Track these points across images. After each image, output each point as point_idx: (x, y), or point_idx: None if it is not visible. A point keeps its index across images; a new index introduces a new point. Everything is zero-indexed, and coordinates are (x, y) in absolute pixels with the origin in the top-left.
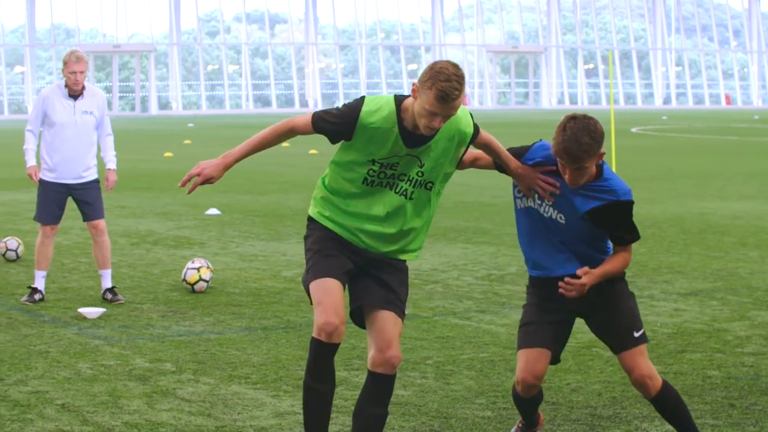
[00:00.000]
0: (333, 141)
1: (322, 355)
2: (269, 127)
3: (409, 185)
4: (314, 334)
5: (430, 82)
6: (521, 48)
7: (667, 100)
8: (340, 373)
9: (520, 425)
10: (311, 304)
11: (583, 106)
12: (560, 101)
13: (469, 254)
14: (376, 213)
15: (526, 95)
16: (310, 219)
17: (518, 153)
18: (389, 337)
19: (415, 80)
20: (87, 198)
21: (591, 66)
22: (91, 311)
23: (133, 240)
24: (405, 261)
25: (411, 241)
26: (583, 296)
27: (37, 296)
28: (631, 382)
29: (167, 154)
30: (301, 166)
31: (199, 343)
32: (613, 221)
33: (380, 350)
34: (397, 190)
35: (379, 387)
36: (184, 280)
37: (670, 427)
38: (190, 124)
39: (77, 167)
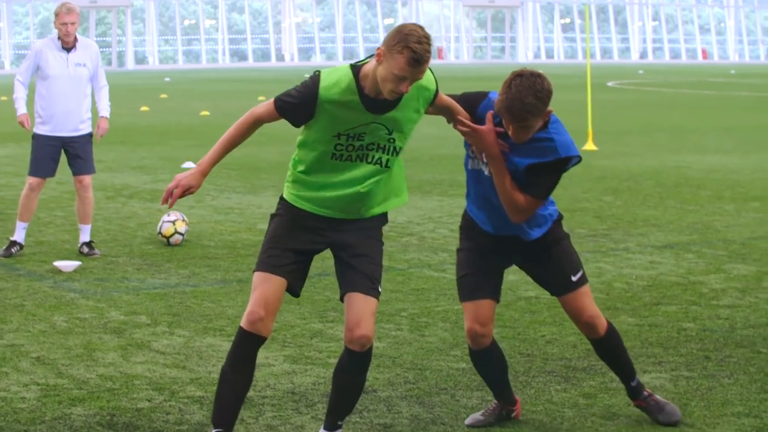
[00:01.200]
0: (297, 124)
1: (242, 343)
2: (234, 124)
3: (383, 153)
4: (241, 324)
5: (401, 46)
6: (498, 2)
7: (643, 55)
8: (314, 325)
9: (494, 406)
10: None
11: (559, 60)
12: (536, 55)
13: (444, 207)
14: (351, 186)
15: (503, 49)
16: (281, 199)
17: (473, 100)
18: (358, 316)
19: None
20: (79, 152)
21: (567, 20)
22: (67, 265)
23: (109, 194)
24: (382, 220)
25: (391, 193)
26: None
27: (14, 249)
28: (579, 325)
29: (144, 108)
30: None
31: (174, 295)
32: (543, 172)
33: (350, 329)
34: (369, 161)
35: (353, 362)
36: (160, 233)
37: (644, 378)
38: (167, 79)
39: (71, 120)
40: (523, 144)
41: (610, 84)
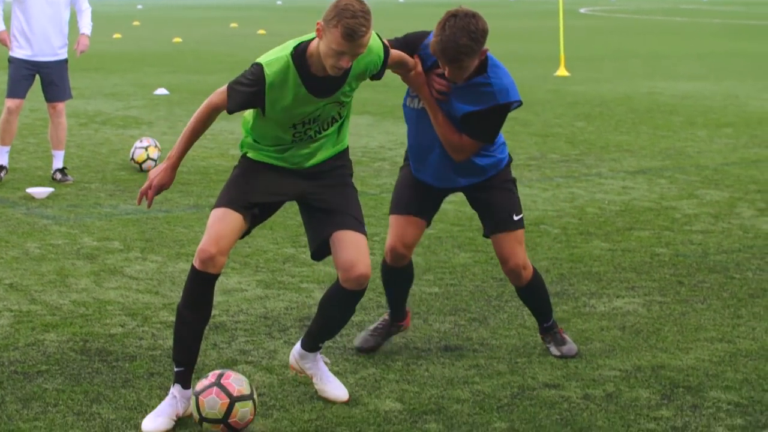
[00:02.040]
0: (253, 107)
1: (195, 282)
2: (193, 117)
3: (338, 118)
4: (195, 258)
5: (336, 20)
6: None
7: None
8: (287, 250)
9: (386, 318)
10: None
11: None
12: None
13: None
14: (307, 152)
15: None
16: (242, 155)
17: (414, 40)
18: (353, 254)
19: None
20: (54, 78)
21: None
22: (40, 191)
23: (82, 120)
24: (343, 164)
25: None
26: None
27: (2, 173)
28: (504, 269)
29: (116, 35)
30: (250, 47)
31: (147, 221)
32: (483, 120)
33: (346, 269)
34: (326, 129)
35: (347, 299)
36: (132, 159)
37: (617, 303)
38: (139, 6)
39: (48, 45)
40: (463, 87)
41: (582, 11)
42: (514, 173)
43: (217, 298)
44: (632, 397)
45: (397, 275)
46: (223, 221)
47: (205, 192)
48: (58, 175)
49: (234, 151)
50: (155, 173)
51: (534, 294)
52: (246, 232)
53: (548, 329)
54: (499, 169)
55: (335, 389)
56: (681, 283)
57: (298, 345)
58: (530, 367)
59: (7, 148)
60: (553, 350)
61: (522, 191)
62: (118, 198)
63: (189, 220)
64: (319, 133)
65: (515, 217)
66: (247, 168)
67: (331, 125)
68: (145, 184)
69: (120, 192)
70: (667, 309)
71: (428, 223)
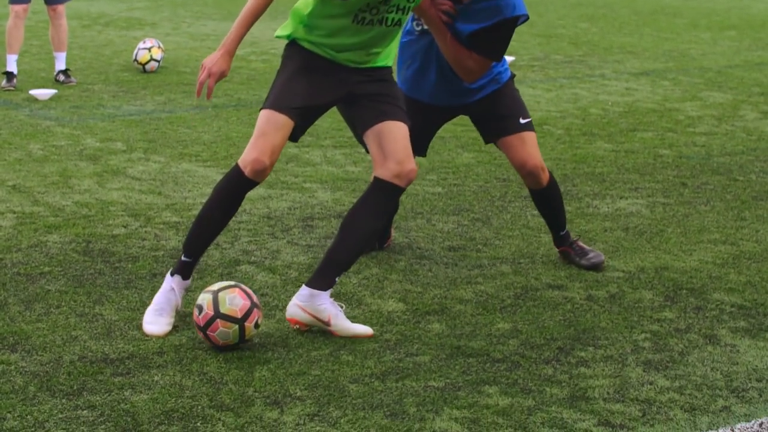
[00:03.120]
0: None
1: (239, 187)
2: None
3: (402, 14)
4: (240, 164)
5: None
6: None
7: None
8: (290, 150)
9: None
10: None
11: None
12: None
13: None
14: (366, 46)
15: None
16: (292, 42)
17: None
18: (405, 146)
19: None
20: None
21: None
22: (43, 93)
23: (85, 22)
24: (390, 74)
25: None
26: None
27: (13, 81)
28: (523, 173)
29: None
30: None
31: (150, 122)
32: (490, 36)
33: (399, 161)
34: (387, 24)
35: (388, 197)
36: (135, 60)
37: (621, 204)
38: None
39: None
40: (468, 6)
41: None
42: (519, 74)
43: None
44: (635, 299)
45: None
46: (279, 127)
47: None
48: (61, 77)
49: (238, 51)
50: (211, 61)
51: (552, 198)
52: (293, 135)
53: (565, 238)
54: (500, 83)
55: (358, 325)
56: (684, 184)
57: (303, 290)
58: (533, 268)
59: (15, 56)
60: (581, 261)
61: (525, 92)
62: (121, 99)
63: (192, 121)
64: (381, 22)
65: (522, 120)
66: (299, 65)
67: (391, 26)
68: (203, 74)
69: (123, 93)
70: (671, 210)
71: (424, 155)
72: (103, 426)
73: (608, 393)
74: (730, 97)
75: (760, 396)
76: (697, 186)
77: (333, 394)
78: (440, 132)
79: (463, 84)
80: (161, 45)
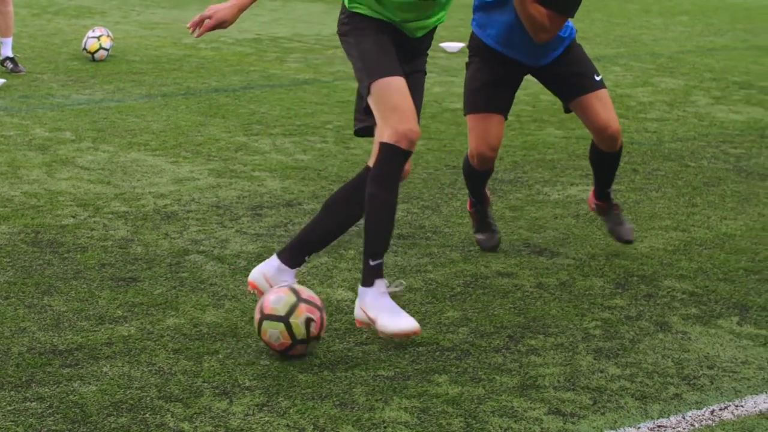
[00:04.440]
0: None
1: (399, 162)
2: None
3: None
4: (392, 141)
5: None
6: None
7: None
8: (239, 138)
9: (472, 201)
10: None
11: None
12: None
13: None
14: (423, 23)
15: None
16: (351, 15)
17: None
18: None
19: None
20: None
21: None
22: None
23: (35, 11)
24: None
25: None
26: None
27: (21, 66)
28: (602, 136)
29: None
30: None
31: (99, 111)
32: None
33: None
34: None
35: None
36: (85, 49)
37: (571, 191)
38: None
39: None
40: None
41: None
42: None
43: (169, 187)
44: (586, 286)
45: (483, 174)
46: (406, 93)
47: (157, 81)
48: (9, 65)
49: (187, 39)
50: (218, 7)
51: (617, 160)
52: None
53: (608, 196)
54: (572, 38)
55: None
56: (635, 171)
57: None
58: (483, 256)
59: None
60: (609, 224)
61: None
62: (70, 88)
63: (141, 110)
64: None
65: (597, 77)
66: (370, 28)
67: None
68: (206, 12)
69: (72, 82)
70: (622, 197)
71: (506, 117)
72: (51, 418)
73: (559, 381)
74: (682, 82)
75: (712, 383)
76: (648, 172)
77: (282, 384)
78: None
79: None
80: (110, 34)
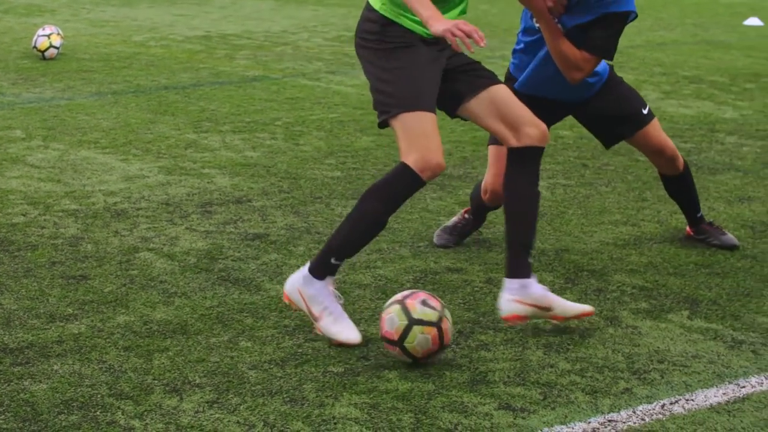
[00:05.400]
0: None
1: (412, 190)
2: None
3: None
4: (417, 169)
5: None
6: None
7: None
8: (189, 135)
9: (465, 217)
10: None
11: None
12: None
13: (319, 16)
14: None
15: None
16: (384, 22)
17: None
18: (525, 109)
19: None
20: None
21: None
22: None
23: None
24: None
25: None
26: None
27: None
28: (661, 162)
29: None
30: None
31: (49, 109)
32: (599, 31)
33: (536, 125)
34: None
35: (533, 160)
36: (35, 47)
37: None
38: None
39: None
40: (579, 3)
41: None
42: None
43: (119, 185)
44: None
45: (493, 208)
46: (434, 126)
47: (108, 79)
48: None
49: (137, 37)
50: (449, 22)
51: (689, 180)
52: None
53: (701, 219)
54: (603, 76)
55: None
56: (585, 165)
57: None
58: (433, 251)
59: None
60: (714, 241)
61: None
62: (20, 86)
63: (91, 108)
64: None
65: (644, 111)
66: (409, 51)
67: None
68: (467, 27)
69: (22, 81)
70: (571, 192)
71: None
72: (2, 416)
73: (509, 376)
74: (632, 77)
75: (662, 378)
76: (598, 167)
77: (232, 380)
78: (338, 116)
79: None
80: (60, 32)
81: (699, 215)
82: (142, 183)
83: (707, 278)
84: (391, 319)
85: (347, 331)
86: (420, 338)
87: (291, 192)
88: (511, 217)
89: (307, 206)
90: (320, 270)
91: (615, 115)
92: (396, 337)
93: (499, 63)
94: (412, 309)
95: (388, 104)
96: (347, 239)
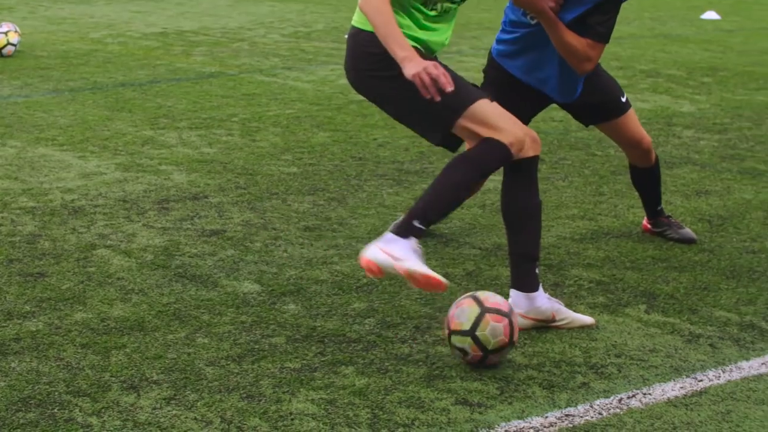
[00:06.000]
0: None
1: (501, 164)
2: (373, 8)
3: (455, 5)
4: (509, 144)
5: None
6: None
7: None
8: (146, 132)
9: None
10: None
11: None
12: None
13: (276, 12)
14: (440, 39)
15: None
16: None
17: None
18: (517, 120)
19: None
20: None
21: None
22: None
23: None
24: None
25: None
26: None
27: None
28: (636, 154)
29: None
30: None
31: (6, 106)
32: (599, 16)
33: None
34: (450, 11)
35: (529, 170)
36: None
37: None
38: None
39: None
40: None
41: None
42: None
43: (76, 182)
44: (492, 276)
45: None
46: (501, 108)
47: (65, 77)
48: None
49: (94, 34)
50: (421, 64)
51: (657, 173)
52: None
53: (660, 212)
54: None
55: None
56: (542, 160)
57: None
58: None
59: None
60: (672, 234)
61: None
62: None
63: (48, 105)
64: (446, 12)
65: (623, 99)
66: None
67: (451, 11)
68: (431, 76)
69: None
70: None
71: None
72: None
73: (465, 371)
74: None
75: (619, 372)
76: (555, 162)
77: (189, 377)
78: (294, 112)
79: (577, 80)
80: (18, 29)
81: (659, 208)
82: (99, 180)
83: (664, 272)
84: (462, 310)
85: (434, 273)
86: (492, 327)
87: (247, 188)
88: (514, 230)
89: (263, 202)
90: (403, 230)
91: (594, 103)
92: (468, 327)
93: (456, 58)
94: (484, 299)
95: (445, 110)
96: (433, 203)
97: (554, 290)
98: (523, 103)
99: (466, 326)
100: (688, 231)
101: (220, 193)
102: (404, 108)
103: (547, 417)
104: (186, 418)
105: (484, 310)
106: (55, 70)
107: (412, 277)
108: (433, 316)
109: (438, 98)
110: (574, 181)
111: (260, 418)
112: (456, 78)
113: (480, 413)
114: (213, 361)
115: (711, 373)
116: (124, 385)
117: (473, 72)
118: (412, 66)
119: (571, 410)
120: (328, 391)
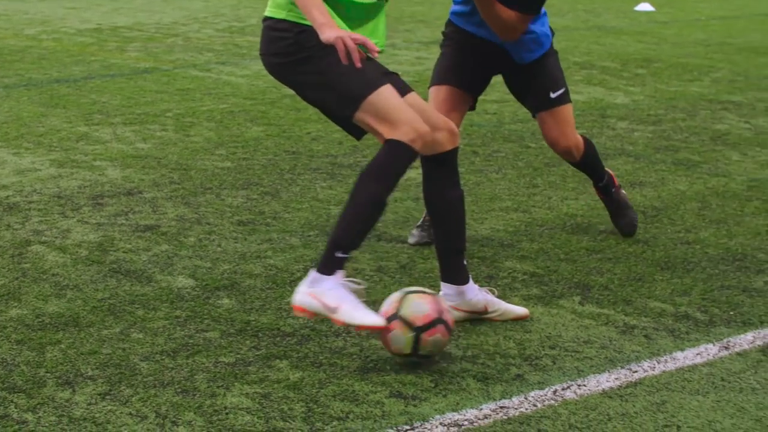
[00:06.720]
0: None
1: (408, 165)
2: None
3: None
4: (407, 141)
5: None
6: None
7: None
8: (80, 128)
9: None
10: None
11: None
12: None
13: (210, 7)
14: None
15: None
16: (298, 29)
17: None
18: (432, 112)
19: None
20: None
21: None
22: None
23: None
24: None
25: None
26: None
27: None
28: (556, 151)
29: None
30: None
31: None
32: None
33: (444, 128)
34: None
35: (449, 162)
36: None
37: (410, 173)
38: None
39: None
40: None
41: None
42: None
43: (11, 178)
44: (426, 269)
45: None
46: (400, 98)
47: None
48: None
49: (28, 30)
50: (338, 31)
51: (587, 164)
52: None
53: (604, 188)
54: (544, 48)
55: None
56: (475, 153)
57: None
58: (323, 241)
59: None
60: (614, 221)
61: None
62: None
63: None
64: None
65: (552, 95)
66: (334, 50)
67: None
68: (354, 42)
69: None
70: (462, 179)
71: (470, 99)
72: None
73: (399, 364)
74: None
75: (554, 363)
76: (488, 154)
77: (124, 372)
78: (228, 106)
79: (531, 44)
80: None
81: (601, 185)
82: (33, 176)
83: (598, 264)
84: (396, 336)
85: (371, 315)
86: (433, 341)
87: (181, 183)
88: (439, 223)
89: (197, 197)
90: (328, 267)
91: (532, 85)
92: (409, 351)
93: (389, 51)
94: (413, 319)
95: (346, 100)
96: (350, 228)
97: (488, 282)
98: (482, 60)
99: (407, 350)
100: (626, 224)
101: (155, 188)
102: (314, 95)
103: (481, 409)
104: (121, 413)
105: (418, 331)
106: None
107: (350, 326)
108: None
109: (359, 65)
110: (507, 174)
111: (195, 413)
112: (361, 61)
113: (414, 406)
114: (148, 356)
115: (646, 364)
116: (59, 381)
117: (406, 66)
118: (333, 31)
119: (505, 402)
120: (263, 385)
